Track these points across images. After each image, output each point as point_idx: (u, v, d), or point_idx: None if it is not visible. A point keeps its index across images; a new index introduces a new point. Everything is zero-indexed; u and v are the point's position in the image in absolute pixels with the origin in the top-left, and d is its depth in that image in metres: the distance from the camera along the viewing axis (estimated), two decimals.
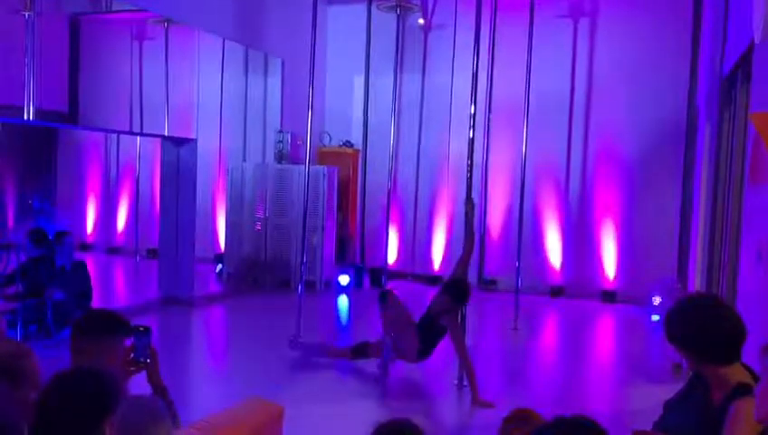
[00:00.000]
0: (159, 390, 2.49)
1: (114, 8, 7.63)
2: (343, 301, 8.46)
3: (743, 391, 2.05)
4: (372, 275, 9.27)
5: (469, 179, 5.50)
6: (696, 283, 6.49)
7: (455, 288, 5.18)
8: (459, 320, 5.20)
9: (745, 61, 4.50)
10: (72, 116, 6.93)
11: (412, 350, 5.16)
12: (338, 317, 7.97)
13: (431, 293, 8.97)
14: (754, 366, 2.07)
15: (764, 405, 1.56)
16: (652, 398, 2.99)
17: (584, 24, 8.81)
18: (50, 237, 6.41)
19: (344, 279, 8.90)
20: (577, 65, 8.85)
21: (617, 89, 8.59)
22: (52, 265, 6.10)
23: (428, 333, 5.17)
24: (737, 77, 4.96)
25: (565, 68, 8.85)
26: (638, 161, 8.56)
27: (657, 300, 7.68)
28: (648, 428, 2.36)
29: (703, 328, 2.15)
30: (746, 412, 1.93)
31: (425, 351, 5.20)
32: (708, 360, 2.17)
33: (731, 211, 5.00)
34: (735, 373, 2.14)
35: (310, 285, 8.40)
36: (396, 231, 9.76)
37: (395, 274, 9.55)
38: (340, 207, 9.39)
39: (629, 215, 8.63)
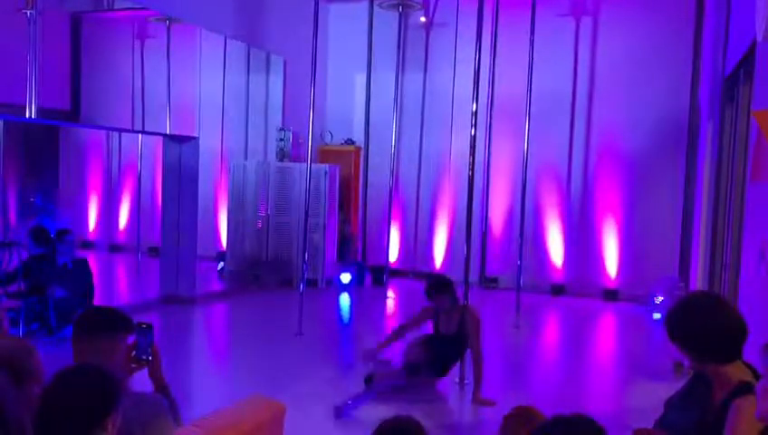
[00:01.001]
0: (161, 387, 2.49)
1: (116, 6, 7.64)
2: (345, 299, 8.47)
3: (744, 389, 2.05)
4: (374, 274, 9.28)
5: (471, 178, 5.50)
6: (698, 281, 6.49)
7: (444, 285, 5.05)
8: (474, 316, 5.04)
9: (748, 59, 4.49)
10: (74, 114, 6.94)
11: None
12: (340, 315, 7.97)
13: None
14: (756, 364, 2.07)
15: (765, 403, 1.56)
16: (653, 396, 2.99)
17: (586, 22, 8.80)
18: (51, 236, 6.42)
19: (346, 277, 8.91)
20: (579, 64, 8.84)
21: (619, 87, 8.58)
22: (54, 264, 6.11)
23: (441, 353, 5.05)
24: (739, 75, 4.95)
25: (567, 66, 8.85)
26: (639, 160, 8.55)
27: (658, 298, 7.68)
28: (650, 426, 2.36)
29: (703, 327, 2.15)
30: (748, 411, 1.92)
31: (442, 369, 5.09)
32: (709, 358, 2.17)
33: (733, 209, 4.99)
34: (737, 372, 2.14)
35: (311, 283, 8.42)
36: (397, 229, 9.76)
37: (396, 272, 9.56)
38: (341, 206, 9.40)
39: (631, 213, 8.62)
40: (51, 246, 6.29)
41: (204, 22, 7.90)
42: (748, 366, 2.17)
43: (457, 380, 5.17)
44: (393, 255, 9.65)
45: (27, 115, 5.91)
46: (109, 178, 11.12)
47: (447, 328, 5.04)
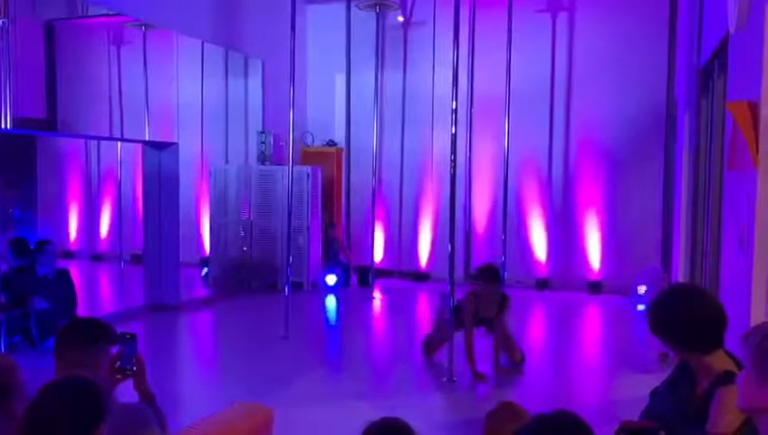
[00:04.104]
0: (147, 397, 2.47)
1: (90, 13, 7.55)
2: (331, 301, 8.45)
3: (727, 378, 2.08)
4: (359, 275, 9.26)
5: (453, 175, 5.52)
6: (680, 271, 6.56)
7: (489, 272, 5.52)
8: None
9: (721, 51, 4.55)
10: (51, 123, 6.86)
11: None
12: (326, 317, 7.96)
13: (419, 289, 9.02)
14: (737, 353, 2.10)
15: (746, 394, 1.58)
16: (639, 387, 3.02)
17: (562, 17, 8.86)
18: (31, 247, 6.34)
19: (331, 279, 8.89)
20: (556, 59, 8.90)
21: (597, 81, 8.65)
22: (35, 275, 6.03)
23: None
24: (714, 67, 5.01)
25: (545, 62, 8.90)
26: (619, 152, 8.63)
27: (642, 289, 7.76)
28: (636, 417, 2.39)
29: (684, 318, 2.18)
30: (730, 400, 1.95)
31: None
32: (691, 348, 2.20)
33: (712, 199, 5.05)
34: (719, 361, 2.17)
35: (297, 286, 8.39)
36: (382, 229, 9.76)
37: (382, 272, 9.56)
38: (325, 207, 9.38)
39: (612, 206, 8.70)
40: (31, 257, 6.22)
41: (180, 27, 7.84)
42: (730, 356, 2.20)
43: (445, 379, 5.19)
44: (378, 255, 9.65)
45: (2, 126, 5.83)
46: (88, 186, 11.00)
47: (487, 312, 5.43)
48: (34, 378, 1.93)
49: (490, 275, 5.40)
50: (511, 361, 5.49)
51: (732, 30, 3.66)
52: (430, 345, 5.75)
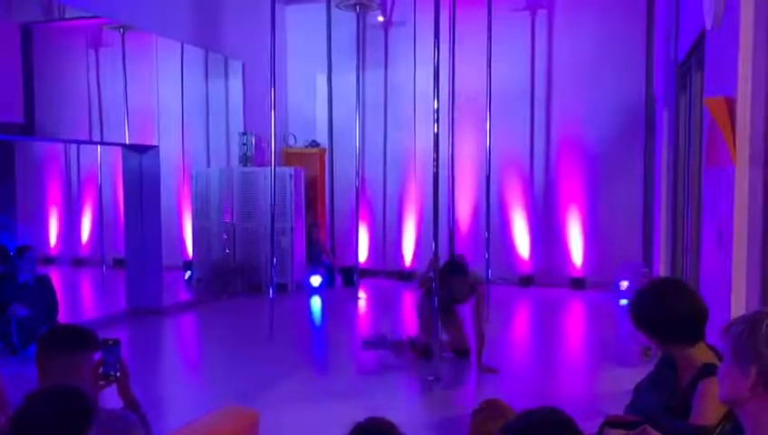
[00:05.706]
0: (131, 403, 2.46)
1: (67, 15, 7.47)
2: (316, 302, 8.44)
3: (708, 370, 2.11)
4: (344, 275, 9.25)
5: (435, 174, 5.53)
6: (662, 266, 6.63)
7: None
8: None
9: (698, 47, 4.60)
10: (29, 127, 6.77)
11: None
12: (311, 319, 7.94)
13: (404, 289, 9.03)
14: (719, 346, 2.13)
15: (727, 386, 1.60)
16: (623, 381, 3.05)
17: (542, 15, 8.92)
18: (11, 253, 6.26)
19: (316, 280, 8.87)
20: (536, 57, 8.96)
21: (576, 78, 8.72)
22: (15, 281, 5.95)
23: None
24: (691, 64, 5.07)
25: (525, 60, 8.95)
26: (600, 149, 8.70)
27: (624, 285, 7.83)
28: (621, 411, 2.41)
29: (665, 311, 2.21)
30: (712, 392, 1.98)
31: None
32: (674, 342, 2.23)
33: (691, 195, 5.11)
34: (701, 354, 2.20)
35: (281, 288, 8.36)
36: (366, 229, 9.76)
37: (367, 272, 9.55)
38: (308, 208, 9.35)
39: (594, 202, 8.77)
40: (11, 263, 6.13)
41: (159, 28, 7.77)
42: (712, 348, 2.23)
43: (431, 378, 5.20)
44: (363, 255, 9.64)
45: None
46: (68, 190, 10.87)
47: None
48: (16, 385, 1.90)
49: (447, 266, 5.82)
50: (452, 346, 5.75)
51: (708, 26, 3.71)
52: (416, 346, 5.75)
